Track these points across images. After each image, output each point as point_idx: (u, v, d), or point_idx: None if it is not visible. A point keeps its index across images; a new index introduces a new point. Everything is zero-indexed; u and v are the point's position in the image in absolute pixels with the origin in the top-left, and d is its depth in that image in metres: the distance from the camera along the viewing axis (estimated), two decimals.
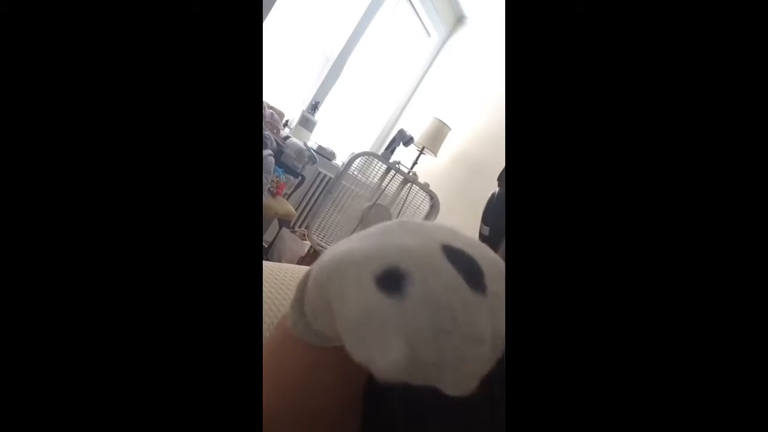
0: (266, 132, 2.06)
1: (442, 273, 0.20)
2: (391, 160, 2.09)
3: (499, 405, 0.36)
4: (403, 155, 2.82)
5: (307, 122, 2.52)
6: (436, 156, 2.80)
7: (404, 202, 2.10)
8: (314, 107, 2.66)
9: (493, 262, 0.22)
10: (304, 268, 0.55)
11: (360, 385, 0.32)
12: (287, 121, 2.53)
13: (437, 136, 2.73)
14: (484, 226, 0.44)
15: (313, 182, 2.68)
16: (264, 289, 0.47)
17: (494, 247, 0.44)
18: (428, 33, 3.12)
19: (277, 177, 2.14)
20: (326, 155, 2.64)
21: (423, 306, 0.19)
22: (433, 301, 0.19)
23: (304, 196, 2.67)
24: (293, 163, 2.24)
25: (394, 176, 2.09)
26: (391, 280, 0.19)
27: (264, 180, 1.95)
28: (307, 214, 2.62)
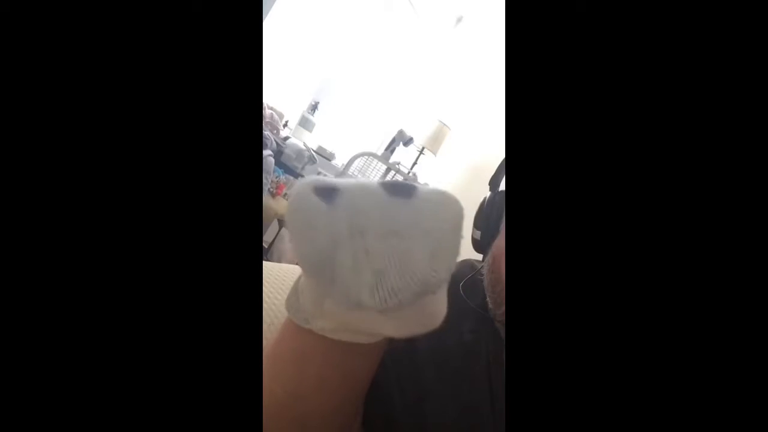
0: (266, 132, 2.06)
1: (367, 186, 0.23)
2: (390, 161, 2.09)
3: (498, 398, 0.36)
4: (403, 155, 2.81)
5: (306, 122, 2.52)
6: (436, 156, 2.79)
7: None
8: (314, 107, 2.66)
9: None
10: None
11: (362, 387, 0.31)
12: (287, 121, 2.53)
13: (437, 136, 2.73)
14: (476, 230, 0.44)
15: None
16: (264, 289, 0.47)
17: (485, 250, 0.44)
18: (428, 33, 3.12)
19: (277, 177, 2.14)
20: (326, 155, 2.64)
21: (342, 209, 0.22)
22: (352, 204, 0.22)
23: None
24: (293, 163, 2.24)
25: (394, 177, 2.09)
26: (326, 191, 0.23)
27: (264, 180, 1.95)
28: None
